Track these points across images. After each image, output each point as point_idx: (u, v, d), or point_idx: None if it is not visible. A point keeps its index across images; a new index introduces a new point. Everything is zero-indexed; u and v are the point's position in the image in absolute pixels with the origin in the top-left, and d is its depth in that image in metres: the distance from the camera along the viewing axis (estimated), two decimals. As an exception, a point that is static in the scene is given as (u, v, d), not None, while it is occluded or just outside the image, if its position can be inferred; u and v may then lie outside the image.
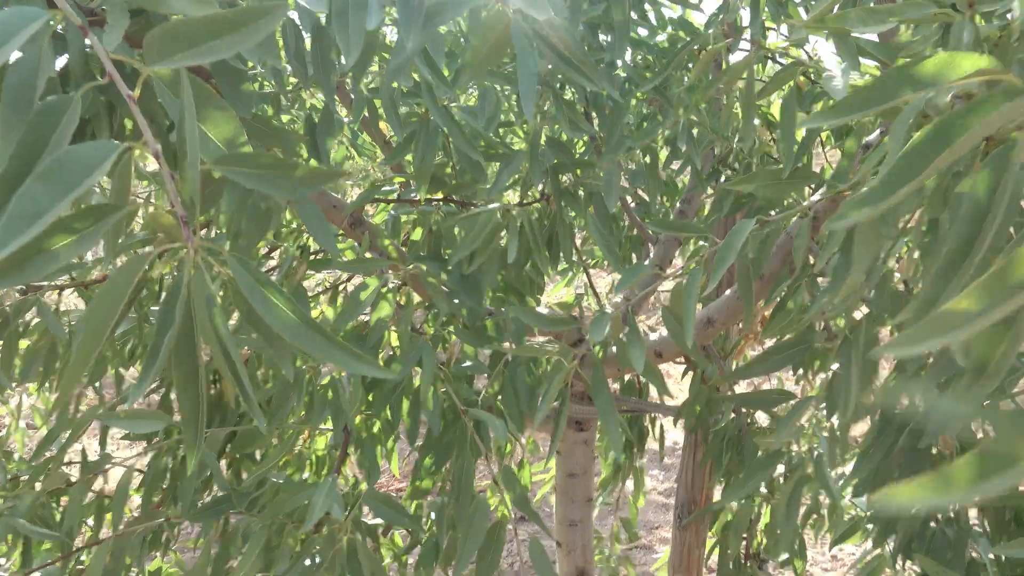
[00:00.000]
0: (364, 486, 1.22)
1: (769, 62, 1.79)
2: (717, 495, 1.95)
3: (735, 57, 1.45)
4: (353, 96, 1.15)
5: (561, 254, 1.39)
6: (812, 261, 1.05)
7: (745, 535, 1.57)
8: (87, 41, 0.52)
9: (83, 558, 1.38)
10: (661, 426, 2.03)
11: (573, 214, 1.36)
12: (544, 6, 0.60)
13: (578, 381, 1.76)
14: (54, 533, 1.04)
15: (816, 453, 0.93)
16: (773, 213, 1.28)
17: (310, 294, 1.64)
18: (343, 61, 0.77)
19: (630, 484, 2.18)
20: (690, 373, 1.75)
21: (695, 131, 1.16)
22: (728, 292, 1.59)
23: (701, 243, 2.11)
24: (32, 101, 0.53)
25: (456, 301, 1.22)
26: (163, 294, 1.19)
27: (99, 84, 0.59)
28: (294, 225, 1.56)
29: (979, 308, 0.40)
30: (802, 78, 1.13)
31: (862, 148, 0.92)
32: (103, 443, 1.58)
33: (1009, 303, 0.38)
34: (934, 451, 1.01)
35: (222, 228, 0.97)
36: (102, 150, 0.46)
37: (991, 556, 1.09)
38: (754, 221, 0.77)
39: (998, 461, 0.34)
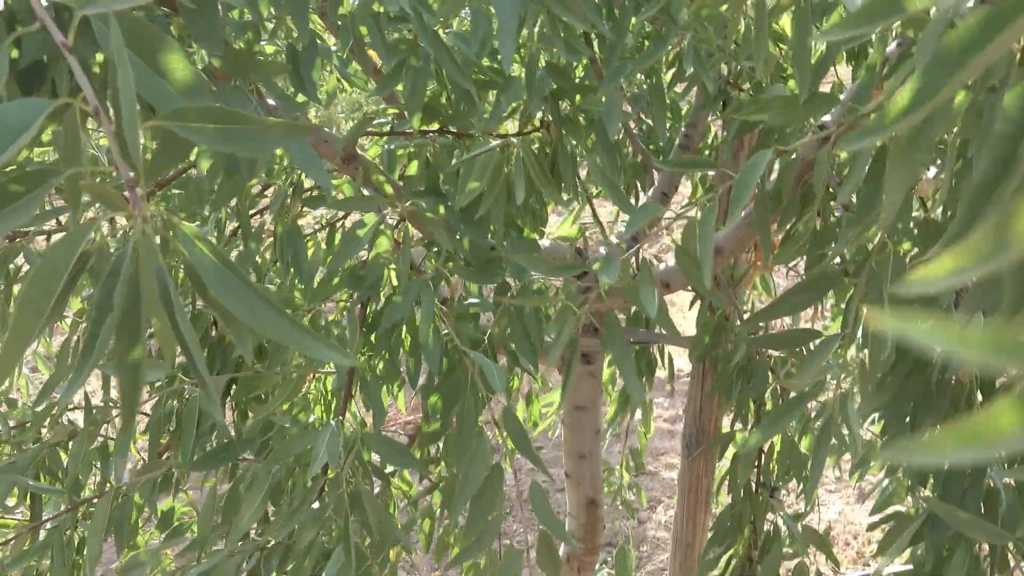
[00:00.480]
0: (369, 428, 1.20)
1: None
2: (725, 424, 1.94)
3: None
4: (339, 23, 1.08)
5: (563, 185, 1.34)
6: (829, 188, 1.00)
7: (756, 463, 1.56)
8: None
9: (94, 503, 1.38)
10: (670, 355, 2.01)
11: (575, 143, 1.30)
12: None
13: (584, 314, 1.73)
14: (58, 488, 1.03)
15: (840, 391, 0.90)
16: (789, 140, 1.22)
17: (306, 232, 1.60)
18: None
19: (638, 414, 2.18)
20: (698, 303, 1.71)
21: (702, 50, 1.09)
22: (737, 220, 1.54)
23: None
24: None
25: (457, 236, 1.17)
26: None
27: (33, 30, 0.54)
28: (286, 162, 1.51)
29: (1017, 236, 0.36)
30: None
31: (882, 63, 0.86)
32: (106, 388, 1.57)
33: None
34: (952, 381, 0.98)
35: (204, 168, 0.92)
36: (29, 110, 0.41)
37: (1006, 481, 1.07)
38: (771, 151, 0.72)
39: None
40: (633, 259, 1.79)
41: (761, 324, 1.49)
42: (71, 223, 0.54)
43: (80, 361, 0.42)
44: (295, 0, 0.76)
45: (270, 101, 1.03)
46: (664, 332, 1.99)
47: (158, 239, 0.45)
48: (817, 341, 0.87)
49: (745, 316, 1.33)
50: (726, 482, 1.66)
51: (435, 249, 1.28)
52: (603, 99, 1.11)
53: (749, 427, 1.60)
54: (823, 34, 0.51)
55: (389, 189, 1.14)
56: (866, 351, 0.84)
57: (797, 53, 0.78)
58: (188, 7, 0.78)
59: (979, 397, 0.97)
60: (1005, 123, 0.47)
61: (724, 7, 0.92)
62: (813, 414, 1.63)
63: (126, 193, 0.46)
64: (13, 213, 0.45)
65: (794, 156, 0.88)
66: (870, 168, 0.71)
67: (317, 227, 1.56)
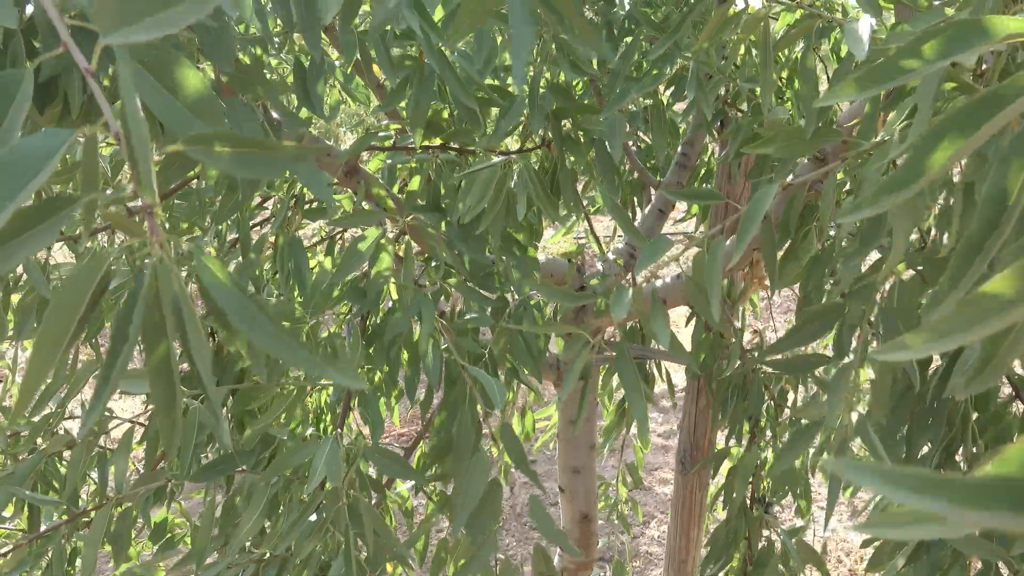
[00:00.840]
0: (368, 441, 1.21)
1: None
2: (719, 440, 1.95)
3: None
4: (348, 40, 1.09)
5: (562, 201, 1.35)
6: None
7: (751, 479, 1.57)
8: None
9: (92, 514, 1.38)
10: (667, 371, 2.02)
11: (573, 159, 1.31)
12: None
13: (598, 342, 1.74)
14: (55, 499, 1.03)
15: (856, 414, 0.91)
16: (787, 164, 1.24)
17: (306, 243, 1.61)
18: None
19: (633, 427, 2.18)
20: (694, 319, 1.73)
21: (702, 73, 1.11)
22: (731, 239, 1.56)
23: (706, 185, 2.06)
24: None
25: (457, 252, 1.18)
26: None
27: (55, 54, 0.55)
28: (287, 173, 1.52)
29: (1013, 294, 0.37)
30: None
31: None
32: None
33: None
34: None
35: (212, 181, 0.93)
36: (52, 140, 0.42)
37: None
38: (776, 185, 0.73)
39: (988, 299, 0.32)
40: (629, 274, 1.81)
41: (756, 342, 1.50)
42: (82, 244, 0.55)
43: (97, 390, 0.42)
44: (306, 17, 0.77)
45: (274, 114, 1.04)
46: (662, 348, 2.01)
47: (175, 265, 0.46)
48: (823, 367, 0.88)
49: (748, 338, 1.34)
50: (720, 497, 1.67)
51: (434, 264, 1.29)
52: (605, 120, 1.13)
53: (744, 443, 1.61)
54: (830, 95, 0.52)
55: (391, 203, 1.15)
56: (872, 377, 0.85)
57: (803, 91, 0.80)
58: (204, 24, 0.79)
59: (973, 415, 0.99)
60: (992, 187, 0.49)
61: (735, 37, 0.94)
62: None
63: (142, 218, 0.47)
64: (32, 239, 0.46)
65: (795, 194, 0.90)
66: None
67: (316, 239, 1.57)
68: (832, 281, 0.99)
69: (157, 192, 0.46)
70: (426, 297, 1.19)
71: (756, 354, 1.33)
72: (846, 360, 0.93)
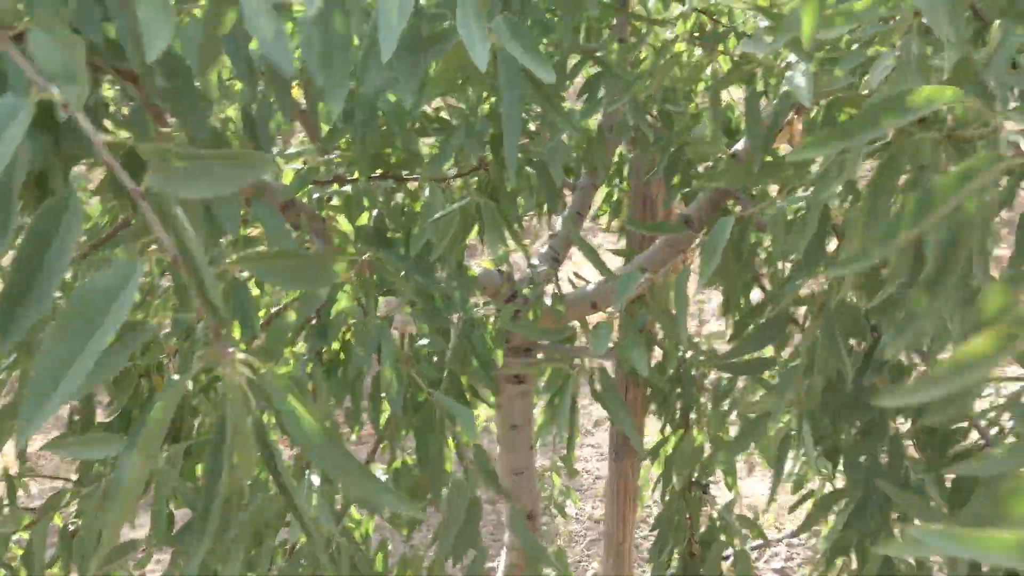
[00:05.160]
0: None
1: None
2: (648, 427, 2.06)
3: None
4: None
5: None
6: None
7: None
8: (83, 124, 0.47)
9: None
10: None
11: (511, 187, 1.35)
12: (547, 68, 0.59)
13: (514, 335, 1.79)
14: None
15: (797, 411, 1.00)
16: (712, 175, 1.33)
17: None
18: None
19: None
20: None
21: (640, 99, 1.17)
22: (658, 242, 1.65)
23: (615, 185, 2.15)
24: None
25: (410, 283, 1.20)
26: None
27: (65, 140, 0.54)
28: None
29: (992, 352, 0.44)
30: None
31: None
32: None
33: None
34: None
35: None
36: (121, 275, 0.42)
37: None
38: (732, 218, 0.80)
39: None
40: (555, 278, 1.87)
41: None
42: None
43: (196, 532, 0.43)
44: (279, 82, 0.77)
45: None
46: (587, 347, 2.09)
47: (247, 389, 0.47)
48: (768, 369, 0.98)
49: (703, 352, 1.43)
50: (659, 484, 1.77)
51: (386, 290, 1.30)
52: (548, 145, 1.17)
53: (678, 432, 1.71)
54: (798, 151, 0.58)
55: (350, 248, 1.15)
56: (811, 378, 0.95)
57: (750, 128, 0.87)
58: (168, 87, 0.77)
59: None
60: (945, 232, 0.57)
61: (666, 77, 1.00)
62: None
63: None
64: (107, 358, 0.46)
65: (749, 222, 0.97)
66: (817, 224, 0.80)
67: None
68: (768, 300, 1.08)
69: (224, 313, 0.47)
70: (386, 329, 1.20)
71: (702, 358, 1.43)
72: (793, 364, 1.02)
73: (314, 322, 1.20)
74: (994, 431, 1.11)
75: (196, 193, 0.47)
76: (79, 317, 0.42)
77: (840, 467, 1.24)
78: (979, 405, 1.07)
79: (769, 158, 0.90)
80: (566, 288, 1.83)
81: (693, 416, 1.69)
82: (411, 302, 1.24)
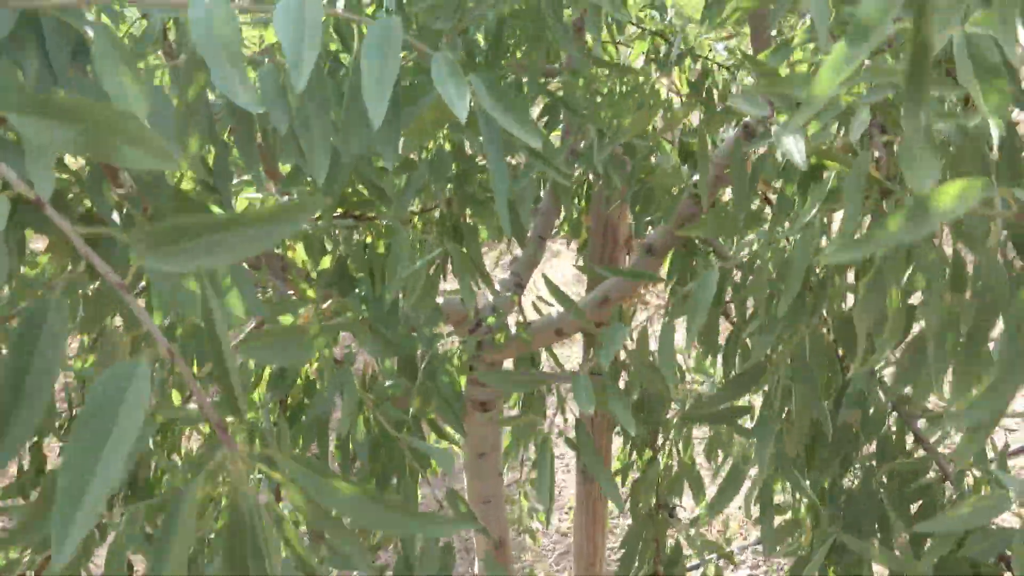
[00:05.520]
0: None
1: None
2: (615, 447, 2.06)
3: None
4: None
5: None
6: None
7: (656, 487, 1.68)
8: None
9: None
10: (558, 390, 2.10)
11: (477, 218, 1.34)
12: (532, 131, 0.58)
13: (480, 363, 1.78)
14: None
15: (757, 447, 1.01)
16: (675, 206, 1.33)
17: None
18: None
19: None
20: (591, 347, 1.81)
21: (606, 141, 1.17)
22: (622, 268, 1.65)
23: (575, 204, 2.15)
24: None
25: (379, 334, 1.18)
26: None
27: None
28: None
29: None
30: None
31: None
32: None
33: None
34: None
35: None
36: (124, 379, 0.40)
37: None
38: (716, 272, 0.80)
39: None
40: (517, 306, 1.86)
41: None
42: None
43: None
44: (242, 131, 0.75)
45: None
46: (558, 371, 2.08)
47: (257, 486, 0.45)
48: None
49: (686, 407, 1.45)
50: (627, 505, 1.77)
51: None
52: (516, 186, 1.16)
53: (644, 454, 1.72)
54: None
55: (309, 290, 1.13)
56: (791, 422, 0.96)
57: (735, 180, 0.87)
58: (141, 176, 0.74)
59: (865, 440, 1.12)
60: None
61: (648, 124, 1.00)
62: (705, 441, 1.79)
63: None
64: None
65: (728, 268, 0.98)
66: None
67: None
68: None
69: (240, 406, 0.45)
70: (348, 373, 1.18)
71: (687, 408, 1.44)
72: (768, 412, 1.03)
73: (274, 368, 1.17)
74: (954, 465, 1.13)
75: (193, 267, 0.45)
76: (91, 437, 0.40)
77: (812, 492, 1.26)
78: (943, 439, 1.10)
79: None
80: (529, 312, 1.83)
81: (660, 440, 1.70)
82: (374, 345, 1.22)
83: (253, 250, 0.39)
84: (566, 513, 3.45)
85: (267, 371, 1.17)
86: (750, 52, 1.81)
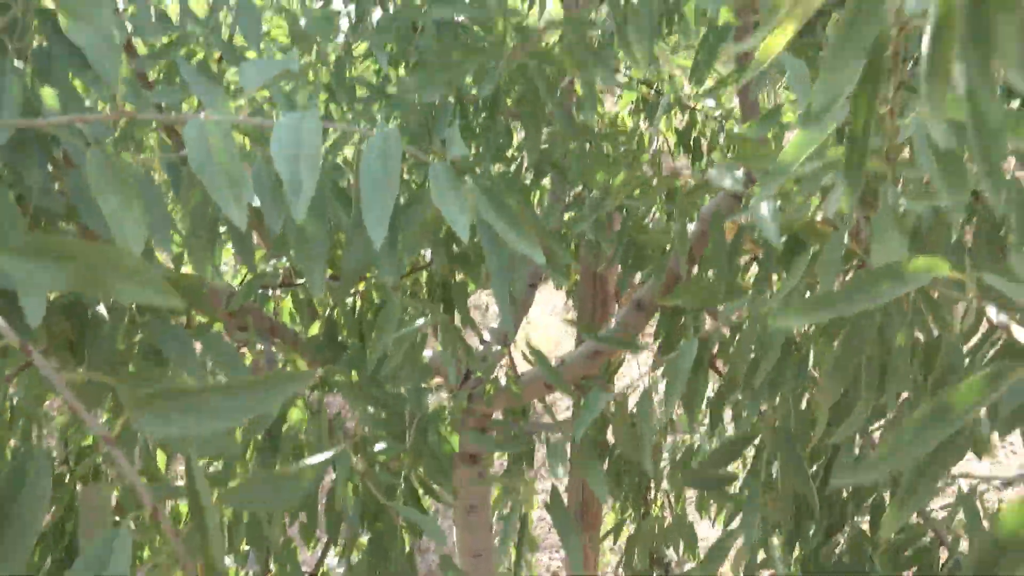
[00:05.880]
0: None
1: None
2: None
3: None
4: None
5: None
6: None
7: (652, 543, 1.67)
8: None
9: None
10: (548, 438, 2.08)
11: (465, 275, 1.33)
12: (533, 247, 0.58)
13: (467, 416, 1.76)
14: None
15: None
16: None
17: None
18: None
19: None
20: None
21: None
22: (613, 322, 1.65)
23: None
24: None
25: (369, 396, 1.17)
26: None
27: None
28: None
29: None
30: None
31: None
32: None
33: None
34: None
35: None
36: (108, 544, 0.38)
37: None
38: (696, 341, 0.80)
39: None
40: (508, 356, 1.85)
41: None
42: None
43: None
44: (244, 249, 0.74)
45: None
46: (550, 421, 2.07)
47: None
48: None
49: (676, 476, 1.44)
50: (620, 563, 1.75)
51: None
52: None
53: (638, 512, 1.70)
54: (777, 324, 0.57)
55: (299, 361, 1.12)
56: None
57: (714, 253, 0.87)
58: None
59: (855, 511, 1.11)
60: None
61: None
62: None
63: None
64: None
65: (712, 334, 0.98)
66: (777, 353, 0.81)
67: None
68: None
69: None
70: (345, 454, 1.16)
71: (679, 475, 1.43)
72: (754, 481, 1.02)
73: (264, 436, 1.15)
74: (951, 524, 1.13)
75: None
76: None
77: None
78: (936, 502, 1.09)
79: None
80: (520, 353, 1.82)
81: (652, 495, 1.69)
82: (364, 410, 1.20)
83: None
84: (556, 551, 3.41)
85: (253, 442, 1.15)
86: (735, 104, 1.83)
